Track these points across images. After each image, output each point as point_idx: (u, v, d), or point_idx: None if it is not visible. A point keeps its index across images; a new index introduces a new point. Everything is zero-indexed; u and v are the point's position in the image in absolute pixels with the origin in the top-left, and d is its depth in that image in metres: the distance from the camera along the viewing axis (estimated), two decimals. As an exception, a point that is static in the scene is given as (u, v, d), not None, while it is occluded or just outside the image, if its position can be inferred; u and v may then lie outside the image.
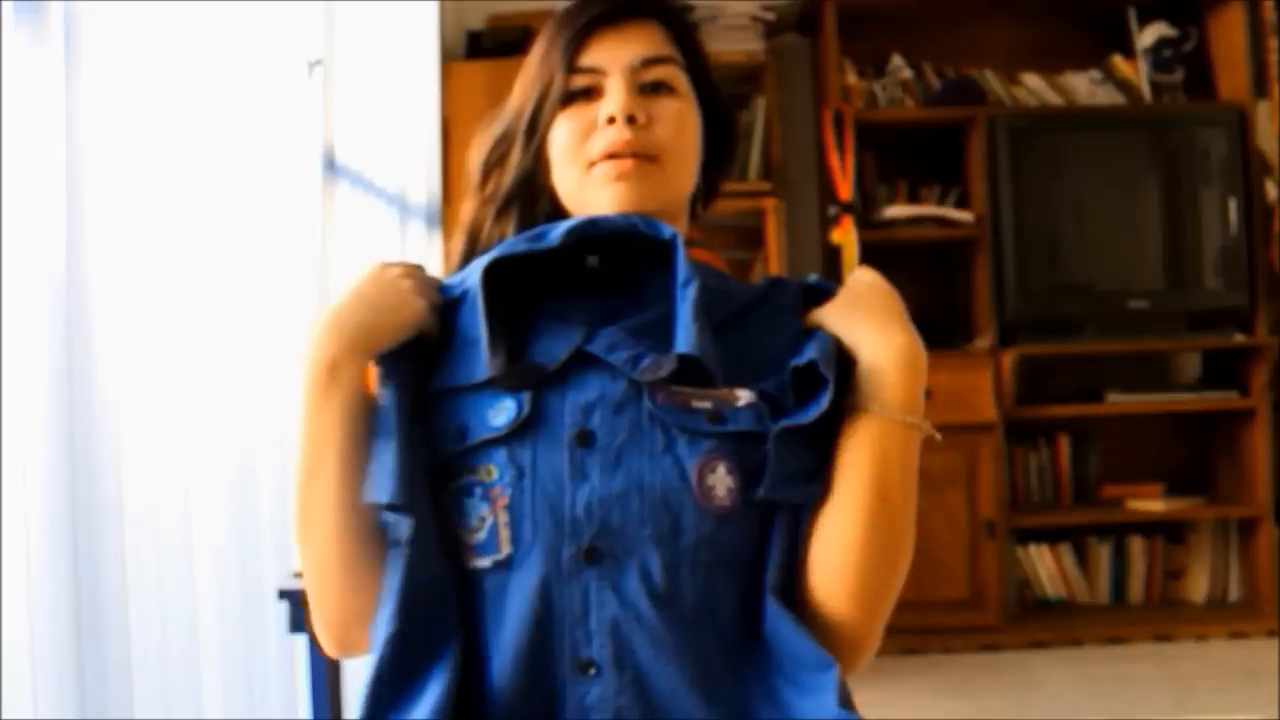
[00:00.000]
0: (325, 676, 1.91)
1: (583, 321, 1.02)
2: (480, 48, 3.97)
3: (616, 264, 1.04)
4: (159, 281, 1.76)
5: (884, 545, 0.99)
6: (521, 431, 0.97)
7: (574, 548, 0.94)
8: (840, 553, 0.98)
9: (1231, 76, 4.23)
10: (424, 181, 3.24)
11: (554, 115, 1.08)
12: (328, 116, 2.52)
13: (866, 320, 1.03)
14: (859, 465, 0.99)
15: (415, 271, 1.08)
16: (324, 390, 1.01)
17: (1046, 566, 4.21)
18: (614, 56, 1.08)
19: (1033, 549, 4.20)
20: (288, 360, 2.25)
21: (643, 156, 1.05)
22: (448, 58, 3.71)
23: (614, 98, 1.06)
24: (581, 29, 1.08)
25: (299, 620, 1.86)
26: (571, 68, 1.08)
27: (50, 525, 1.43)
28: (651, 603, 0.94)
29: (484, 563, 0.96)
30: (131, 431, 1.64)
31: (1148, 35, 4.25)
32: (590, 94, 1.08)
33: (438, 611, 0.96)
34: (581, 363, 0.99)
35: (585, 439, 0.97)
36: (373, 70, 2.87)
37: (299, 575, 1.96)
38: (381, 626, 0.95)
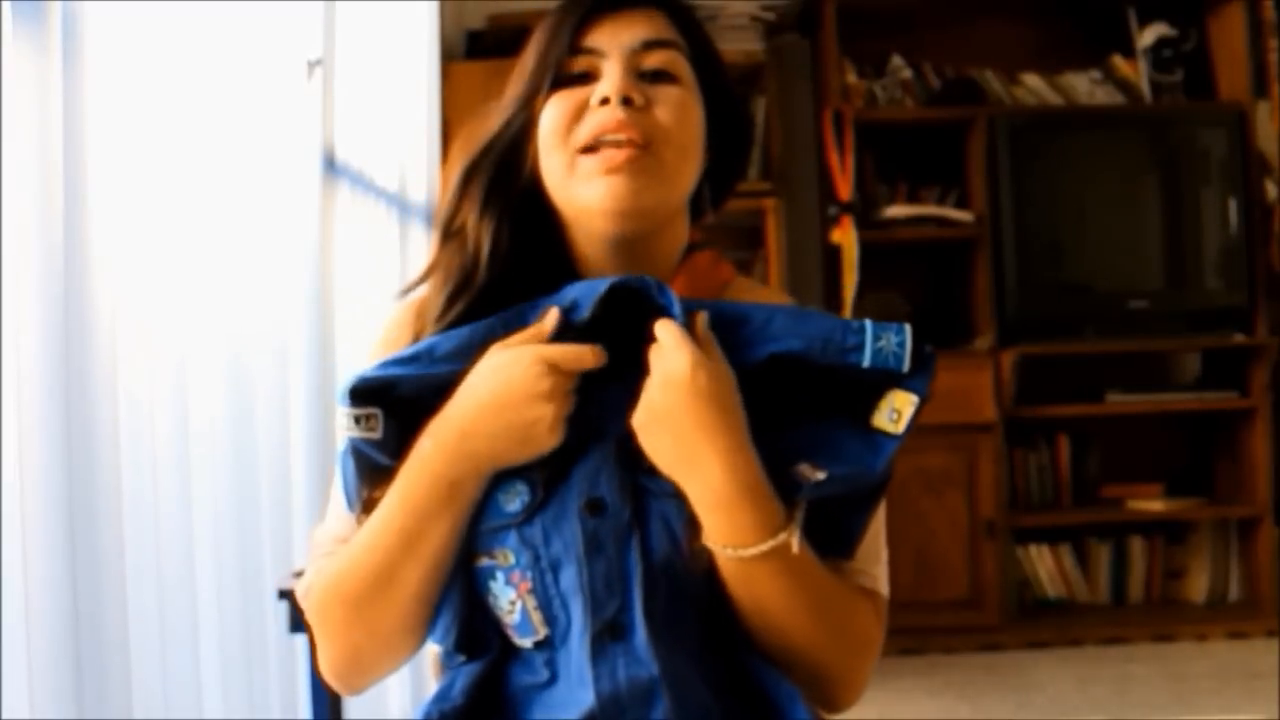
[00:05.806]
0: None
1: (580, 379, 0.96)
2: (480, 48, 3.98)
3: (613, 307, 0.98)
4: (159, 281, 1.76)
5: (815, 643, 0.96)
6: (532, 513, 0.95)
7: (599, 623, 0.93)
8: (784, 664, 0.97)
9: (1231, 76, 4.23)
10: (424, 181, 3.24)
11: (546, 99, 1.01)
12: (328, 116, 2.52)
13: (674, 451, 0.92)
14: (744, 610, 0.95)
15: (559, 386, 0.94)
16: (440, 505, 0.96)
17: (1046, 566, 4.21)
18: (613, 38, 1.01)
19: (1033, 549, 4.20)
20: (288, 360, 2.25)
21: (638, 144, 0.98)
22: (448, 58, 3.70)
23: (609, 78, 0.99)
24: (581, 14, 1.02)
25: (299, 620, 1.85)
26: (568, 49, 1.01)
27: (48, 524, 1.43)
28: (673, 676, 0.92)
29: (526, 642, 0.97)
30: (131, 431, 1.64)
31: (1148, 35, 4.25)
32: (586, 79, 1.01)
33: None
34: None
35: (596, 507, 0.94)
36: (373, 70, 2.87)
37: (299, 575, 1.96)
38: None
